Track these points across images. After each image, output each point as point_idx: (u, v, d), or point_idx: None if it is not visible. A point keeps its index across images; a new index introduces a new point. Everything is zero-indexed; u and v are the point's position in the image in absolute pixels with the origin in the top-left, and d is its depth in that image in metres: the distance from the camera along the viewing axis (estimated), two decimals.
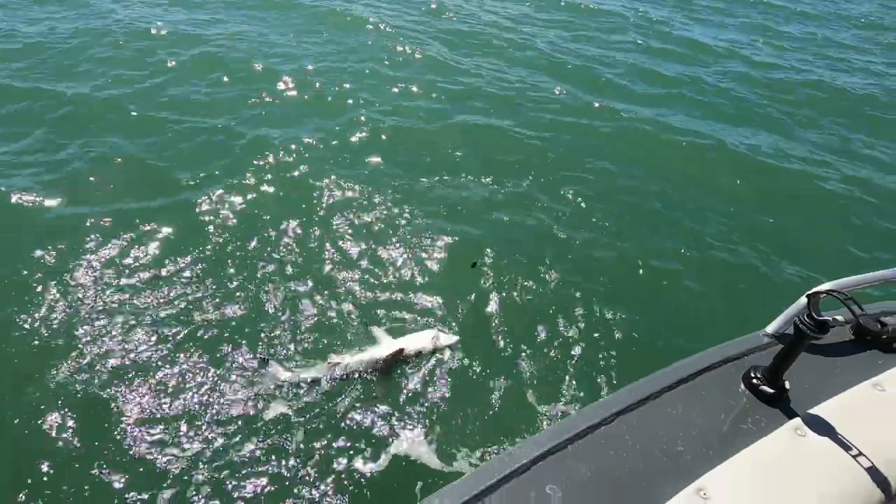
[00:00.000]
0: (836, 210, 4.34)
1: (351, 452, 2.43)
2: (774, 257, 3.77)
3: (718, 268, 3.67)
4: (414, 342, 2.95)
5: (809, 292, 0.87)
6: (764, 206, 4.30)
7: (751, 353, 1.02)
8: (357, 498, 2.25)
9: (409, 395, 2.69)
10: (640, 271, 3.58)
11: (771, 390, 0.94)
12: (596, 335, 3.05)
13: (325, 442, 2.45)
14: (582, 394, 2.64)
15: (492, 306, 3.19)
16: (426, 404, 2.66)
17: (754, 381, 0.96)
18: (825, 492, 0.79)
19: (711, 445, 0.85)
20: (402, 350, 2.84)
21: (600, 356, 2.93)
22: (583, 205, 4.14)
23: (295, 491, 2.28)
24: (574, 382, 2.72)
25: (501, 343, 2.99)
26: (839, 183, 4.70)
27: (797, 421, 0.89)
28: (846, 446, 0.84)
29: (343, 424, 2.53)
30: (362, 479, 2.34)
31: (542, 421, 2.45)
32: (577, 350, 2.94)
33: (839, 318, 1.00)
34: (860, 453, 0.83)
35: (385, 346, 2.90)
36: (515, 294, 3.27)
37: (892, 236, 4.23)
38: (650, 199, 4.29)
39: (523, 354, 2.90)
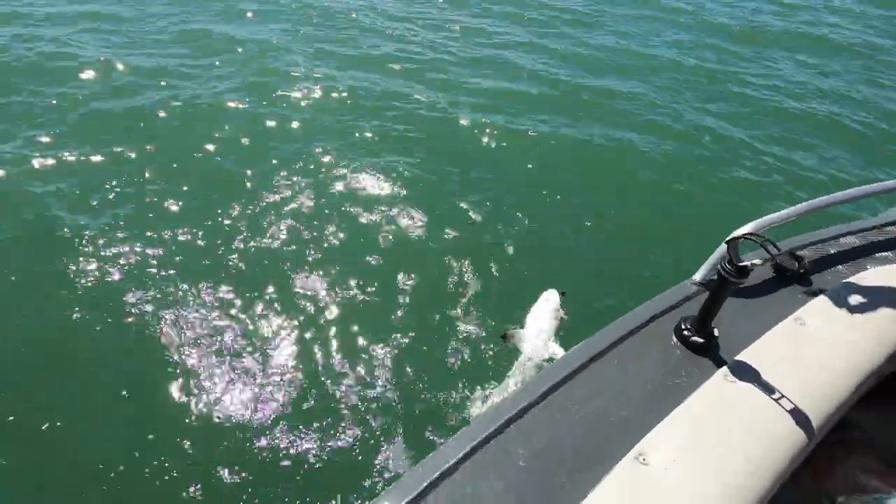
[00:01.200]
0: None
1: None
2: (694, 211, 3.68)
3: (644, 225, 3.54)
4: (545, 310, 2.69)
5: (728, 238, 0.86)
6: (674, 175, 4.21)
7: (681, 303, 1.02)
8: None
9: None
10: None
11: (700, 340, 0.94)
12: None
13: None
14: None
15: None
16: None
17: (685, 332, 0.95)
18: (753, 438, 0.78)
19: (648, 405, 0.84)
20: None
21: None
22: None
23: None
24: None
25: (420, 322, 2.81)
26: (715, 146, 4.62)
27: (725, 369, 0.88)
28: (770, 389, 0.84)
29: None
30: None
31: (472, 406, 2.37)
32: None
33: (757, 260, 1.01)
34: (783, 396, 0.83)
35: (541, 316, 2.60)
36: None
37: (796, 176, 4.13)
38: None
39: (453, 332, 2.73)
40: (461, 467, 0.73)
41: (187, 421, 2.19)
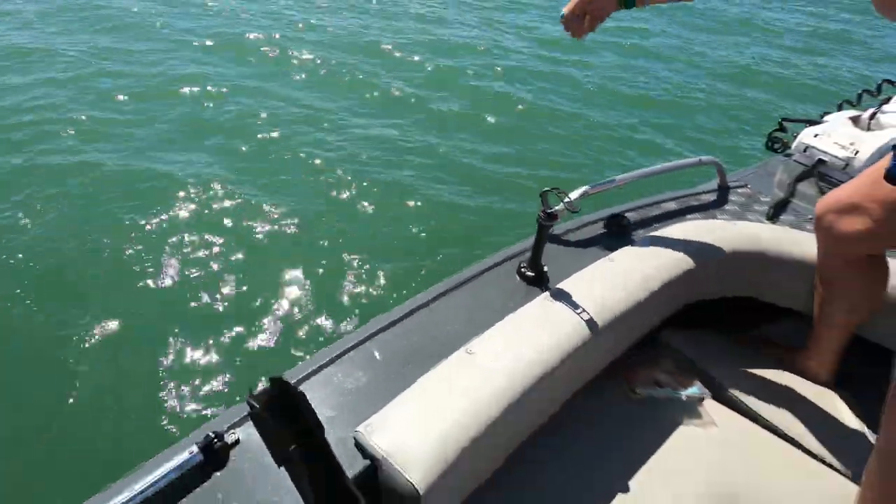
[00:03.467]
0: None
1: None
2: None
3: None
4: None
5: (541, 192, 1.14)
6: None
7: (526, 250, 1.29)
8: None
9: None
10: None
11: (532, 274, 1.21)
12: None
13: None
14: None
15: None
16: None
17: (521, 269, 1.23)
18: (555, 339, 1.05)
19: (487, 322, 1.11)
20: None
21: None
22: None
23: None
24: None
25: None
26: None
27: (546, 293, 1.16)
28: (576, 306, 1.12)
29: None
30: None
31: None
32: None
33: (590, 217, 1.29)
34: (585, 311, 1.11)
35: None
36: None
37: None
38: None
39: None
40: (335, 363, 0.97)
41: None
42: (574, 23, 1.18)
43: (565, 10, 1.18)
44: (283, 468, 0.62)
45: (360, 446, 0.81)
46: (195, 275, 2.88)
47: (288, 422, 0.60)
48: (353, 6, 7.38)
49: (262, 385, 0.63)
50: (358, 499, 0.63)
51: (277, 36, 6.10)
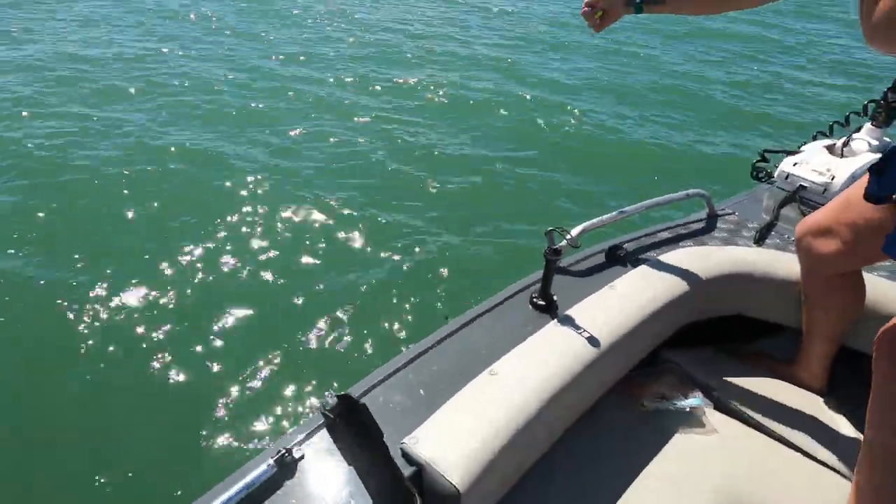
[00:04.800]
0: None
1: None
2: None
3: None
4: None
5: (546, 231, 1.31)
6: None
7: (537, 281, 1.45)
8: None
9: None
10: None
11: (542, 303, 1.36)
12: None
13: None
14: None
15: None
16: None
17: (533, 299, 1.38)
18: (566, 359, 1.19)
19: (505, 347, 1.25)
20: None
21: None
22: None
23: None
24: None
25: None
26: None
27: (556, 320, 1.31)
28: (583, 330, 1.26)
29: None
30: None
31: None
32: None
33: (591, 249, 1.45)
34: (591, 334, 1.26)
35: None
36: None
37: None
38: None
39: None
40: (379, 386, 1.12)
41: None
42: (591, 16, 1.32)
43: (587, 1, 1.32)
44: (352, 468, 0.77)
45: (406, 456, 0.95)
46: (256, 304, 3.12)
47: (355, 429, 0.75)
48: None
49: (328, 399, 0.78)
50: (414, 495, 0.78)
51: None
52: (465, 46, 8.22)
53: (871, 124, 1.97)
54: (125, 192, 4.15)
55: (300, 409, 2.49)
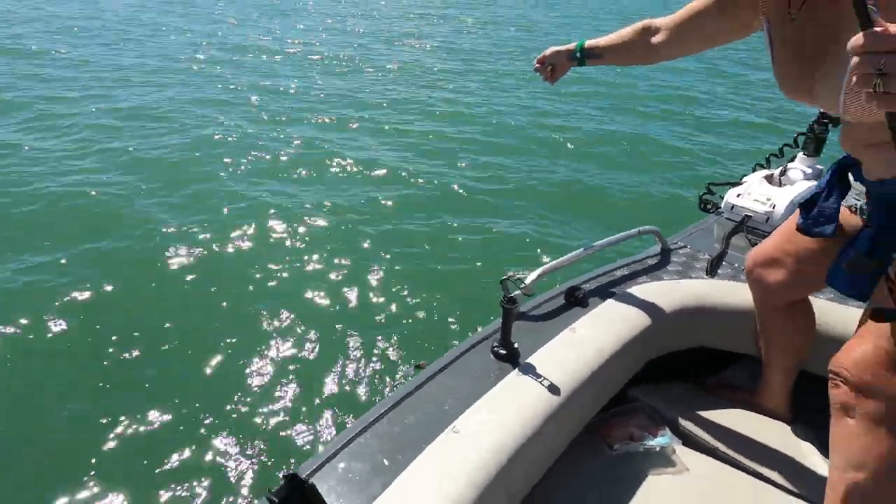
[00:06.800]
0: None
1: None
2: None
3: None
4: None
5: (500, 280, 1.31)
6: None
7: (497, 330, 1.43)
8: None
9: None
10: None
11: (503, 352, 1.34)
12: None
13: None
14: None
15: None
16: None
17: (494, 348, 1.36)
18: (529, 412, 1.16)
19: (468, 401, 1.22)
20: None
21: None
22: None
23: None
24: None
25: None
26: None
27: (517, 369, 1.29)
28: (545, 378, 1.25)
29: None
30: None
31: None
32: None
33: (549, 293, 1.45)
34: (553, 381, 1.24)
35: None
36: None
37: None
38: None
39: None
40: (338, 454, 1.07)
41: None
42: (543, 70, 1.50)
43: (538, 58, 1.51)
44: None
45: None
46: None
47: None
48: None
49: (280, 480, 0.73)
50: None
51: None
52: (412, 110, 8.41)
53: (804, 154, 2.08)
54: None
55: (243, 493, 2.25)
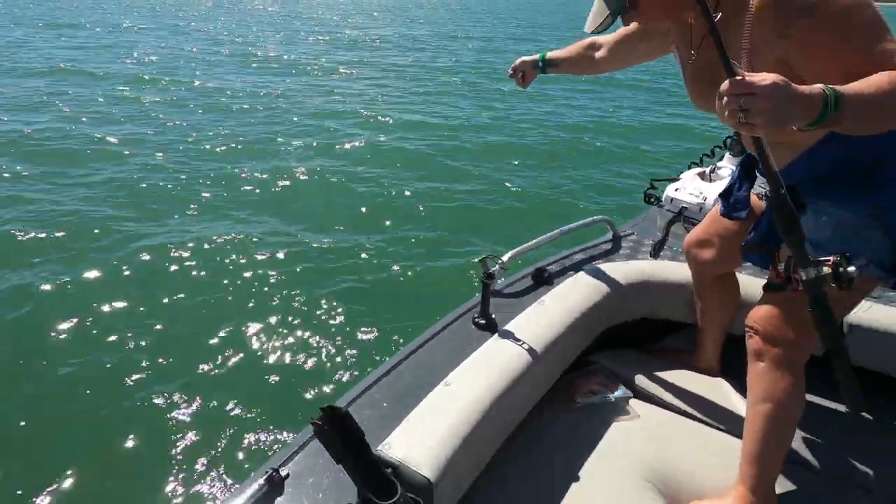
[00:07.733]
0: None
1: None
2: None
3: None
4: None
5: (480, 258, 1.52)
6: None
7: (477, 304, 1.64)
8: None
9: None
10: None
11: (483, 321, 1.56)
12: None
13: None
14: None
15: None
16: None
17: (475, 319, 1.57)
18: (508, 369, 1.36)
19: (455, 362, 1.42)
20: None
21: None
22: None
23: None
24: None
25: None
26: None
27: (496, 335, 1.50)
28: (520, 342, 1.46)
29: None
30: None
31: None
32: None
33: (520, 273, 1.67)
34: (526, 344, 1.46)
35: None
36: None
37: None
38: None
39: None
40: (351, 406, 1.24)
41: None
42: (515, 76, 1.74)
43: (512, 66, 1.74)
44: (339, 466, 0.89)
45: (381, 459, 1.07)
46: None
47: (340, 433, 0.88)
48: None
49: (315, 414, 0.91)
50: (395, 483, 0.91)
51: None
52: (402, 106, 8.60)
53: (730, 154, 2.41)
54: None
55: (282, 434, 2.52)
